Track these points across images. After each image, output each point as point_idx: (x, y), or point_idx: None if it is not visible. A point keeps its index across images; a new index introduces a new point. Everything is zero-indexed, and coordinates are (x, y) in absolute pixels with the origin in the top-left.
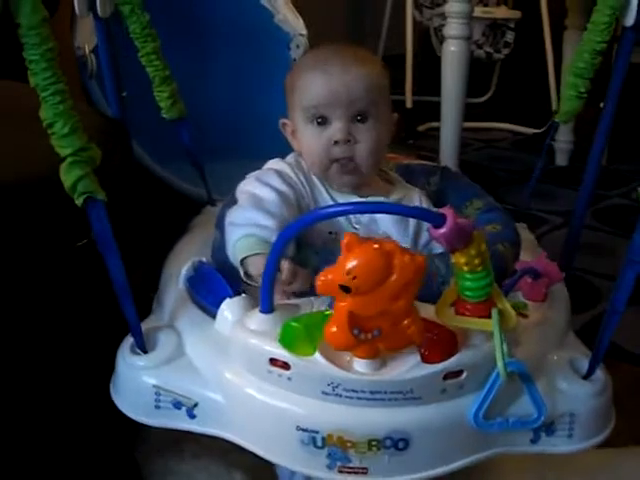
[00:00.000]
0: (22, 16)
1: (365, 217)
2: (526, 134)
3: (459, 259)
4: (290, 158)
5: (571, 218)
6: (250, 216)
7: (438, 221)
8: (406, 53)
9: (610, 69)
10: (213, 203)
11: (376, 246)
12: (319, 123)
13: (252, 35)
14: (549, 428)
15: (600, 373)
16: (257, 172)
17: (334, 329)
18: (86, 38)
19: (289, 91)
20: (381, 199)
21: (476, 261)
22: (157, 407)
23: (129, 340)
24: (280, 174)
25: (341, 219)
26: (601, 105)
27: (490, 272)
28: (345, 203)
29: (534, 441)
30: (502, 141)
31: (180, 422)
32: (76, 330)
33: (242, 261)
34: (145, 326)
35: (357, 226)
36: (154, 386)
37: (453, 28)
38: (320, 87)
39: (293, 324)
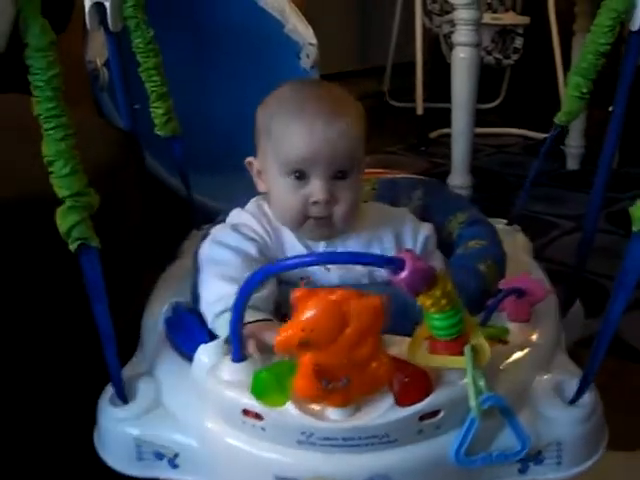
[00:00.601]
0: (30, 36)
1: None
2: (537, 139)
3: (425, 302)
4: (251, 206)
5: (584, 222)
6: (217, 291)
7: (396, 265)
8: (416, 60)
9: (619, 72)
10: (199, 227)
11: (328, 297)
12: (296, 177)
13: (262, 45)
14: (537, 458)
15: (587, 396)
16: (215, 231)
17: (302, 382)
18: (98, 52)
19: (262, 132)
20: (350, 242)
21: (442, 302)
22: (139, 459)
23: (110, 391)
24: (236, 229)
25: (315, 267)
26: (610, 109)
27: (460, 310)
28: (298, 256)
29: (522, 471)
30: (513, 146)
31: (163, 472)
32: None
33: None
34: (125, 374)
35: (330, 266)
36: (135, 438)
37: (462, 35)
38: (301, 143)
39: (263, 374)
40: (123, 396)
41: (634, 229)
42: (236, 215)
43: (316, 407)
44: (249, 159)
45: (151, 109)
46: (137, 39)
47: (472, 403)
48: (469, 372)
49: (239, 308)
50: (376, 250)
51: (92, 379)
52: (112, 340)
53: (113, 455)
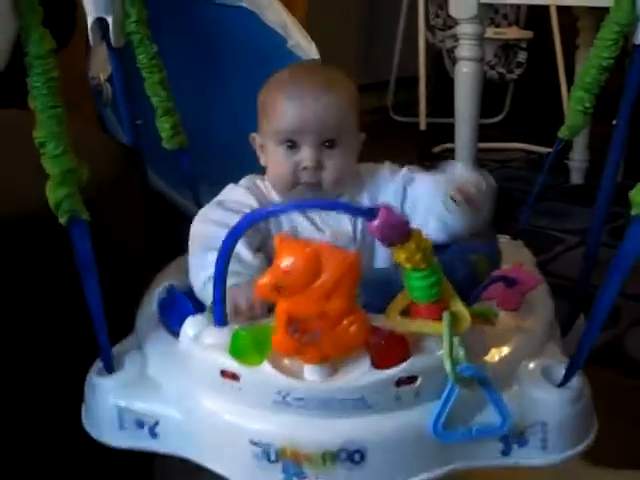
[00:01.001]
0: (30, 44)
1: (330, 219)
2: (540, 153)
3: (399, 255)
4: (245, 181)
5: (588, 236)
6: (201, 260)
7: (370, 215)
8: (419, 75)
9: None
10: None
11: (304, 246)
12: (289, 147)
13: (265, 60)
14: (520, 439)
15: (576, 380)
16: (203, 209)
17: (277, 333)
18: (101, 67)
19: (261, 108)
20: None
21: (417, 257)
22: (121, 427)
23: (98, 363)
24: (221, 204)
25: (306, 224)
26: (614, 122)
27: (437, 271)
28: (279, 205)
29: (505, 453)
30: (516, 161)
31: (143, 442)
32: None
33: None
34: (116, 350)
35: (321, 226)
36: (116, 406)
37: (465, 50)
38: (291, 114)
39: (241, 332)
40: (110, 367)
41: (633, 213)
42: (228, 190)
43: (293, 368)
44: (252, 134)
45: (158, 123)
46: (141, 55)
47: (447, 367)
48: (445, 337)
49: (220, 271)
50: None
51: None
52: (101, 314)
53: (97, 426)
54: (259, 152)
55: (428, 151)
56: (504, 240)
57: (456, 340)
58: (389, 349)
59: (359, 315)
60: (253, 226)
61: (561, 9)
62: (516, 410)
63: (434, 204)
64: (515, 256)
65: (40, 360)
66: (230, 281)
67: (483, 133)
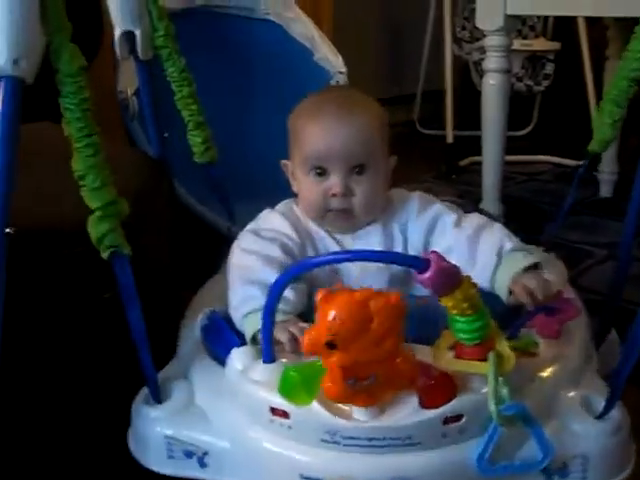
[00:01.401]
0: (61, 63)
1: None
2: (569, 166)
3: (447, 303)
4: (281, 207)
5: (618, 250)
6: (241, 294)
7: (422, 266)
8: (446, 88)
9: None
10: None
11: (350, 297)
12: (318, 174)
13: (292, 73)
14: (562, 471)
15: (615, 412)
16: (239, 236)
17: (330, 384)
18: (128, 81)
19: (291, 135)
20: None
21: (464, 305)
22: (170, 457)
23: (145, 391)
24: (258, 233)
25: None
26: None
27: (484, 315)
28: (325, 255)
29: None
30: (545, 174)
31: (192, 471)
32: (97, 379)
33: (253, 339)
34: (162, 376)
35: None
36: (166, 436)
37: (492, 62)
38: (318, 141)
39: (291, 373)
40: (157, 396)
41: None
42: (264, 216)
43: (342, 406)
44: (284, 161)
45: (189, 137)
46: (170, 68)
47: (492, 408)
48: (490, 379)
49: (269, 310)
50: (397, 242)
51: (129, 386)
52: (145, 342)
53: (145, 453)
54: (291, 179)
55: (455, 164)
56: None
57: (500, 379)
58: (437, 389)
59: (408, 354)
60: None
61: (590, 20)
62: (557, 443)
63: (487, 264)
64: (550, 269)
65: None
66: (254, 322)
67: (510, 146)
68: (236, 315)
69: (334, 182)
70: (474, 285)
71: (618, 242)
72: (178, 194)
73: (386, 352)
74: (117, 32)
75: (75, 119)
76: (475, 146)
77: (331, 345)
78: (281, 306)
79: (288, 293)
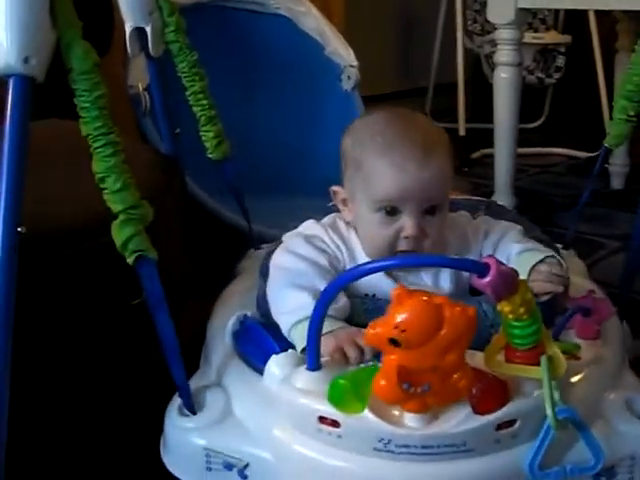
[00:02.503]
0: (74, 60)
1: (410, 274)
2: (581, 158)
3: (504, 308)
4: (327, 219)
5: (630, 241)
6: (292, 300)
7: (482, 271)
8: (457, 81)
9: None
10: (257, 246)
11: (425, 299)
12: (387, 212)
13: (303, 68)
14: (610, 472)
15: None
16: (287, 239)
17: (383, 382)
18: (139, 76)
19: (350, 161)
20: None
21: (521, 310)
22: (208, 469)
23: (177, 401)
24: (309, 240)
25: (382, 282)
26: None
27: (538, 319)
28: (380, 260)
29: None
30: (557, 166)
31: None
32: (127, 386)
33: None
34: (193, 385)
35: (404, 283)
36: (204, 448)
37: (504, 55)
38: (394, 184)
39: (341, 381)
40: (191, 406)
41: None
42: (309, 226)
43: (394, 414)
44: (335, 188)
45: (201, 133)
46: (181, 63)
47: (548, 412)
48: (546, 382)
49: (318, 318)
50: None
51: (154, 391)
52: (176, 349)
53: (181, 465)
54: (341, 206)
55: (467, 157)
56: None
57: (552, 383)
58: (490, 395)
59: (467, 369)
60: (334, 267)
61: (600, 13)
62: (605, 444)
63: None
64: (569, 266)
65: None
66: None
67: (522, 138)
68: (284, 321)
69: (408, 224)
70: (530, 290)
71: (630, 234)
72: (191, 191)
73: (447, 364)
74: (128, 29)
75: (92, 118)
76: (487, 139)
77: (395, 342)
78: (330, 312)
79: (337, 298)
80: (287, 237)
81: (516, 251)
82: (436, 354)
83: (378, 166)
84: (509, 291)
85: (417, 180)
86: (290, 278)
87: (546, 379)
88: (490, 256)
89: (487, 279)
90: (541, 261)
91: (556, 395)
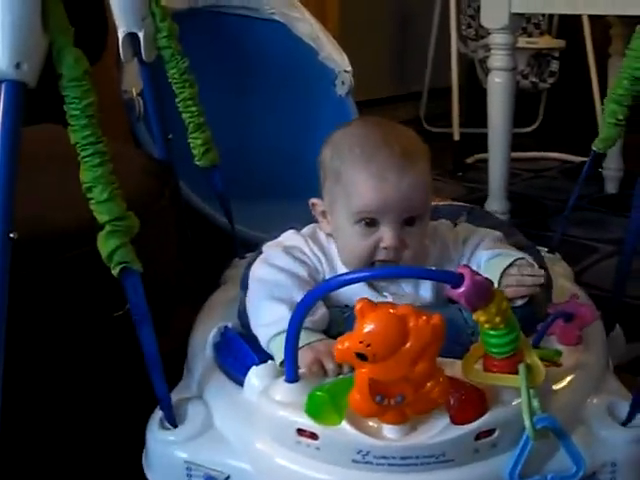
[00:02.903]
0: (64, 67)
1: (391, 284)
2: (575, 162)
3: (480, 317)
4: (307, 230)
5: (623, 245)
6: (270, 312)
7: (456, 281)
8: (452, 86)
9: None
10: (242, 255)
11: (389, 311)
12: (367, 224)
13: (297, 73)
14: (591, 479)
15: None
16: (265, 250)
17: (357, 396)
18: (133, 82)
19: (329, 173)
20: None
21: (497, 319)
22: None
23: (158, 414)
24: (288, 251)
25: (363, 292)
26: None
27: (515, 328)
28: (357, 271)
29: None
30: (551, 170)
31: None
32: (106, 398)
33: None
34: (174, 397)
35: (385, 293)
36: (185, 461)
37: (497, 60)
38: (372, 194)
39: (318, 393)
40: (173, 420)
41: None
42: (289, 237)
43: (372, 425)
44: (313, 200)
45: (189, 140)
46: (172, 69)
47: (527, 423)
48: (524, 391)
49: (294, 329)
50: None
51: (136, 403)
52: (158, 363)
53: (163, 478)
54: (320, 218)
55: (461, 161)
56: (543, 254)
57: (531, 392)
58: (469, 404)
59: (441, 377)
60: (314, 278)
61: (593, 17)
62: (586, 451)
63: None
64: (555, 271)
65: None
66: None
67: (516, 143)
68: (263, 334)
69: (387, 235)
70: (506, 298)
71: (623, 238)
72: (185, 196)
73: (418, 374)
74: (120, 34)
75: (81, 126)
76: (481, 143)
77: (363, 357)
78: (307, 325)
79: (315, 310)
80: (266, 247)
81: (485, 258)
82: (405, 365)
83: (357, 178)
84: (484, 301)
85: (396, 190)
86: (268, 290)
87: (524, 388)
88: (465, 266)
89: (461, 289)
90: (510, 265)
91: (535, 403)
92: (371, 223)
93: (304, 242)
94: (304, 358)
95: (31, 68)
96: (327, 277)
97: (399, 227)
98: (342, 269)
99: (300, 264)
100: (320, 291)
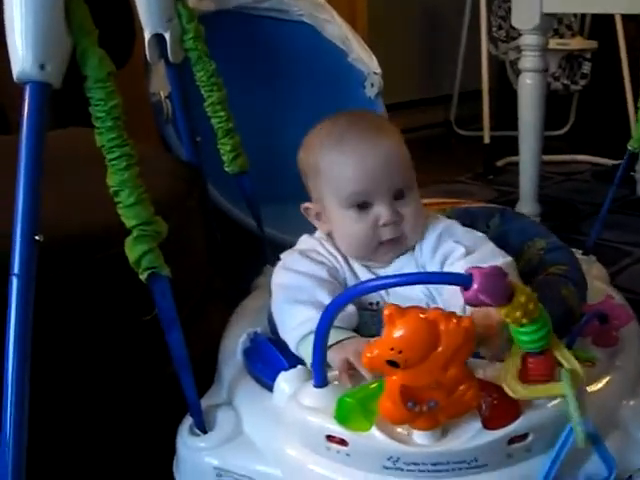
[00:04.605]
0: (89, 69)
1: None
2: (606, 165)
3: (501, 312)
4: (319, 233)
5: None
6: (296, 315)
7: (466, 281)
8: (482, 88)
9: None
10: (272, 263)
11: (420, 316)
12: (360, 207)
13: (327, 74)
14: None
15: None
16: (283, 257)
17: (388, 404)
18: (161, 84)
19: (309, 173)
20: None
21: (517, 314)
22: None
23: (188, 420)
24: (305, 254)
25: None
26: None
27: (545, 322)
28: (378, 279)
29: None
30: (582, 173)
31: None
32: (137, 404)
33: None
34: (204, 404)
35: (390, 290)
36: (215, 467)
37: (528, 61)
38: (355, 174)
39: (347, 399)
40: (202, 426)
41: None
42: (304, 241)
43: (402, 431)
44: (305, 205)
45: (218, 146)
46: (199, 72)
47: (577, 429)
48: (572, 400)
49: (322, 333)
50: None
51: (168, 409)
52: (188, 369)
53: None
54: (315, 221)
55: (492, 164)
56: (578, 256)
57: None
58: (501, 409)
59: (473, 380)
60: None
61: (626, 18)
62: (622, 454)
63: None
64: (591, 273)
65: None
66: (331, 336)
67: (548, 145)
68: (291, 337)
69: (382, 212)
70: (528, 290)
71: None
72: (214, 199)
73: (450, 379)
74: (147, 35)
75: (107, 129)
76: (512, 146)
77: (393, 364)
78: (337, 323)
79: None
80: (284, 255)
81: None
82: (437, 370)
83: (334, 163)
84: (503, 292)
85: (374, 162)
86: (291, 295)
87: (571, 397)
88: (472, 267)
89: (474, 287)
90: None
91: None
92: (363, 205)
93: (319, 244)
94: (335, 358)
95: (55, 69)
96: (347, 274)
97: (391, 201)
98: (356, 264)
99: (318, 265)
100: (345, 298)
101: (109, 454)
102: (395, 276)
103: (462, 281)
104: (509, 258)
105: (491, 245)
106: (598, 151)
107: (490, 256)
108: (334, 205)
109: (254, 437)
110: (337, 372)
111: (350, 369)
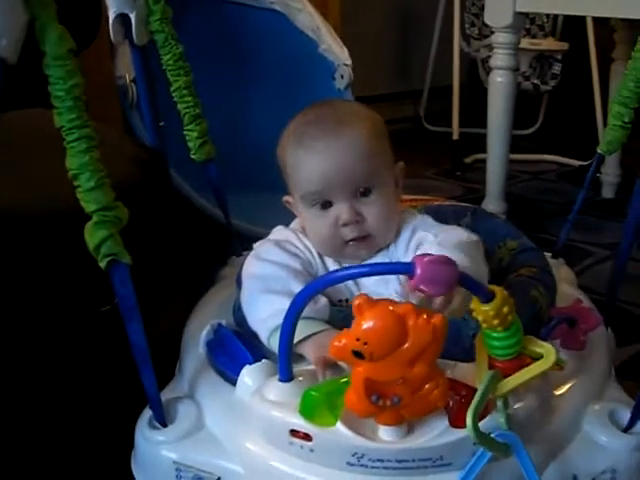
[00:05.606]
0: (47, 44)
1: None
2: (573, 166)
3: (477, 316)
4: (295, 224)
5: (617, 250)
6: (268, 305)
7: (409, 269)
8: (453, 85)
9: None
10: (238, 254)
11: (388, 309)
12: (322, 206)
13: (296, 65)
14: None
15: None
16: (256, 247)
17: (353, 396)
18: (127, 67)
19: (282, 168)
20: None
21: (495, 322)
22: None
23: (148, 413)
24: (279, 244)
25: (350, 285)
26: None
27: (516, 332)
28: (345, 268)
29: None
30: (548, 173)
31: None
32: (95, 396)
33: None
34: (164, 397)
35: (361, 283)
36: (174, 462)
37: (499, 59)
38: (310, 172)
39: (313, 393)
40: (162, 419)
41: None
42: (279, 231)
43: (368, 427)
44: (285, 198)
45: (185, 132)
46: (166, 55)
47: (469, 421)
48: (478, 394)
49: (288, 327)
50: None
51: (126, 401)
52: (148, 361)
53: (151, 479)
54: (296, 213)
55: (460, 161)
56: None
57: (500, 404)
58: (468, 407)
59: (441, 378)
60: (307, 270)
61: (598, 21)
62: (585, 457)
63: None
64: (559, 276)
65: (70, 368)
66: (305, 328)
67: (516, 144)
68: (262, 328)
69: (341, 211)
70: (508, 298)
71: (618, 243)
72: (177, 185)
73: (415, 376)
74: (111, 15)
75: (66, 109)
76: (480, 144)
77: (359, 355)
78: (310, 314)
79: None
80: (257, 245)
81: None
82: (402, 365)
83: (294, 161)
84: (448, 281)
85: (331, 161)
86: (264, 284)
87: (480, 392)
88: (415, 256)
89: (416, 274)
90: None
91: (501, 419)
92: (325, 204)
93: (294, 236)
94: (310, 352)
95: (10, 43)
96: (320, 269)
97: (353, 200)
98: (329, 261)
99: (292, 256)
100: (311, 289)
101: (66, 447)
102: (338, 270)
103: (405, 270)
104: (475, 236)
105: (460, 229)
106: (565, 152)
107: (454, 235)
108: (300, 203)
109: (216, 432)
110: (311, 366)
111: (327, 362)
